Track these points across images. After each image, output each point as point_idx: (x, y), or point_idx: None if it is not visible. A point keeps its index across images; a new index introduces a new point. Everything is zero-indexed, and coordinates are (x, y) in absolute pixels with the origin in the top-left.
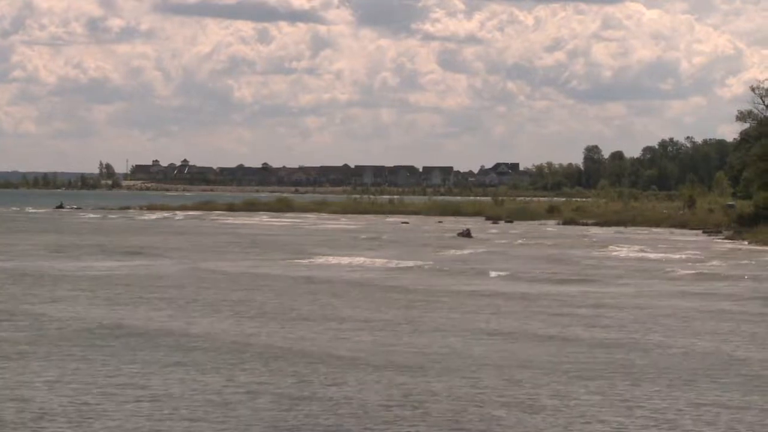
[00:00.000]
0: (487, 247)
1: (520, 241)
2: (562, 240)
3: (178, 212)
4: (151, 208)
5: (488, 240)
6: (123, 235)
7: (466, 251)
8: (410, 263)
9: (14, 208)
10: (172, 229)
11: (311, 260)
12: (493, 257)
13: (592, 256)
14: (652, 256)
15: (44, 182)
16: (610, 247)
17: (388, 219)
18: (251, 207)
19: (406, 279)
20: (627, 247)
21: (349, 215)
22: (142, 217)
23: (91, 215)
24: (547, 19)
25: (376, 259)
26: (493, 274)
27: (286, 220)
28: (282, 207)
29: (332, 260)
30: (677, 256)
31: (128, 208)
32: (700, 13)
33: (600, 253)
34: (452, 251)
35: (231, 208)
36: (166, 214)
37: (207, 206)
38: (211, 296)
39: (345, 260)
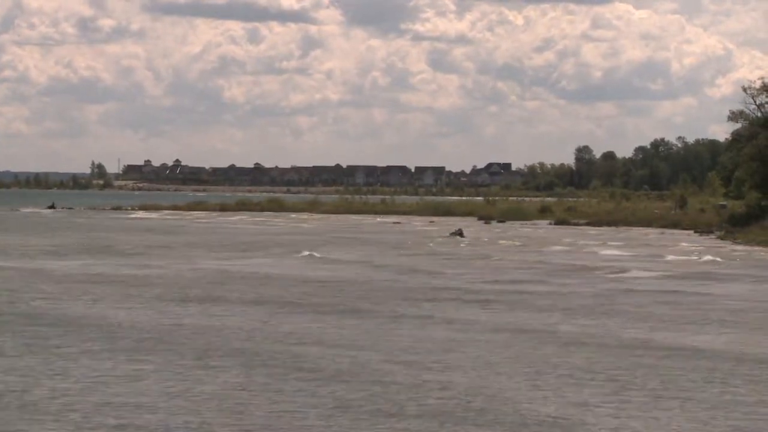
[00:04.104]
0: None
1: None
2: (625, 240)
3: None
4: (193, 208)
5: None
6: (236, 236)
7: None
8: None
9: (63, 209)
10: (272, 231)
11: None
12: (583, 256)
13: (681, 251)
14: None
15: (36, 182)
16: (682, 245)
17: (378, 219)
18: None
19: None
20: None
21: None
22: (195, 219)
23: (150, 215)
24: (537, 20)
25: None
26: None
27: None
28: (274, 207)
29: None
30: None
31: (167, 207)
32: (690, 14)
33: (678, 248)
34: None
35: (223, 208)
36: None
37: (199, 206)
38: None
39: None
